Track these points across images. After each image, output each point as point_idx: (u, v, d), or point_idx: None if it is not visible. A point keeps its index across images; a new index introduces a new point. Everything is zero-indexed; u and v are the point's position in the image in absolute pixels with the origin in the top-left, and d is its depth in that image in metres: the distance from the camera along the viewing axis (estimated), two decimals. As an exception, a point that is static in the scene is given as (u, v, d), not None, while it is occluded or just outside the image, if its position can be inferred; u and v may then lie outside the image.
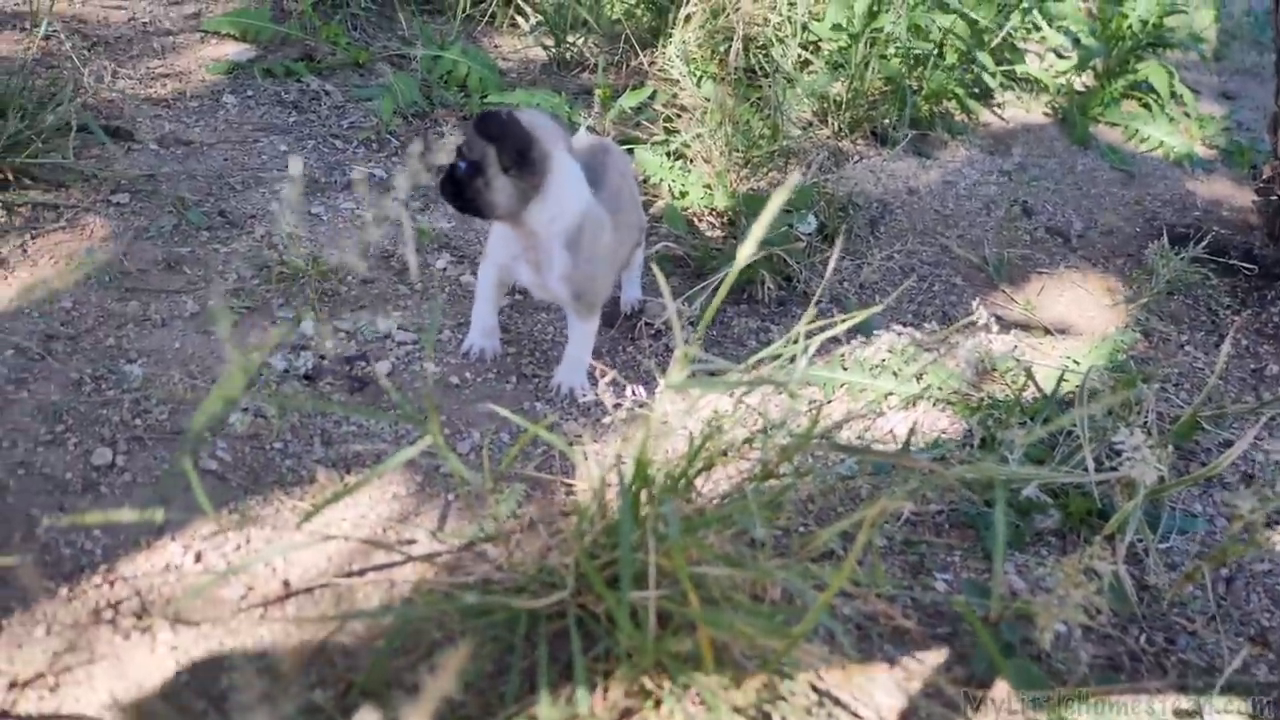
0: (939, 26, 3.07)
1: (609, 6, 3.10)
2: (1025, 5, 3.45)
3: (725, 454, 1.38)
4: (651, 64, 2.92)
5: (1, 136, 1.98)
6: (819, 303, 2.20)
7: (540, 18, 3.10)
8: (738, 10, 2.86)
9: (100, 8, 2.79)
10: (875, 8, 3.07)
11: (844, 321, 1.48)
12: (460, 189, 1.63)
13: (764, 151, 2.50)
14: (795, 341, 1.52)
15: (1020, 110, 3.43)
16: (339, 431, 1.63)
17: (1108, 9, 3.77)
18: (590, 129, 2.52)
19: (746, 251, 1.07)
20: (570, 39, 3.00)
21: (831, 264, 1.43)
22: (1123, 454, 1.48)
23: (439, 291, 2.02)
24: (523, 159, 1.58)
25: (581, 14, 3.00)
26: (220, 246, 1.98)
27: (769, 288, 2.15)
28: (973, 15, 3.13)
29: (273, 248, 1.93)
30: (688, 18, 2.90)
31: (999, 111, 3.38)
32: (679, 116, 2.66)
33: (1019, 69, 3.43)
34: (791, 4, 2.98)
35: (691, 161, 2.55)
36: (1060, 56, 3.70)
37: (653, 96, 2.66)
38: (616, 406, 1.61)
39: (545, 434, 1.38)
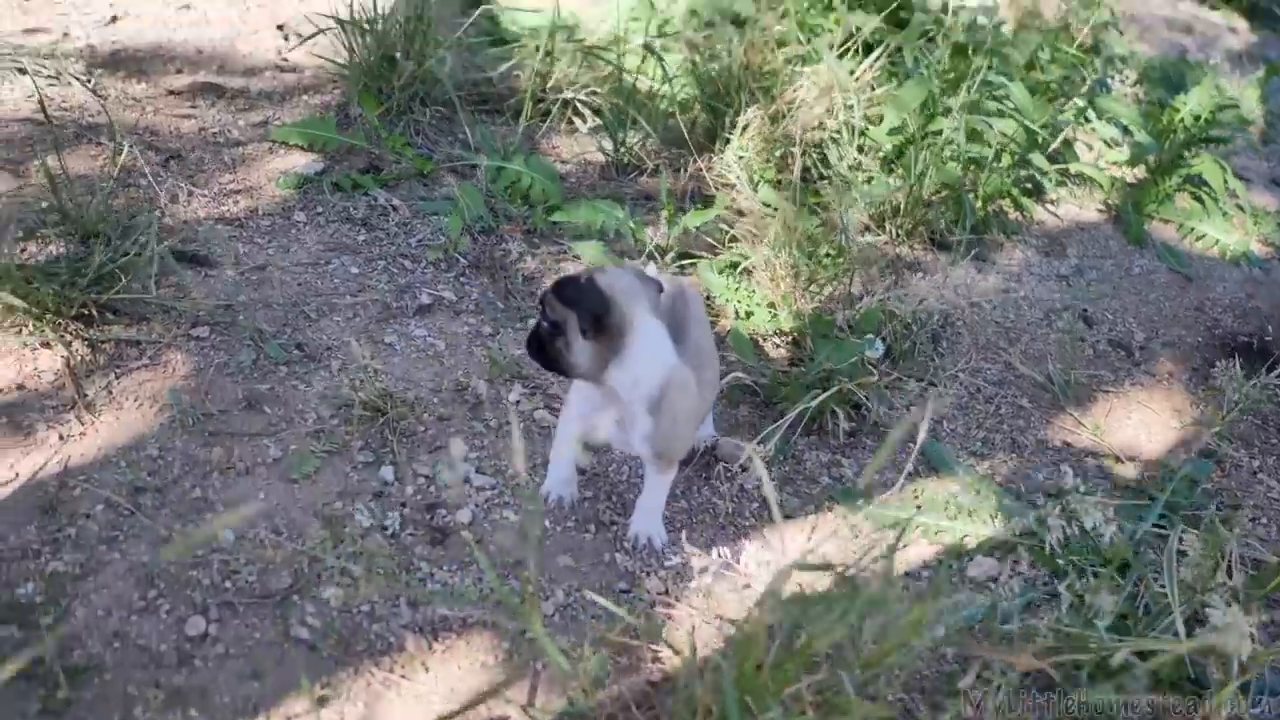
0: (998, 131, 3.07)
1: (664, 103, 3.14)
2: (1079, 104, 3.46)
3: (824, 642, 1.37)
4: (709, 169, 2.95)
5: (89, 270, 2.02)
6: (885, 430, 2.20)
7: (598, 120, 3.13)
8: (795, 121, 2.88)
9: (171, 117, 2.85)
10: (931, 111, 3.09)
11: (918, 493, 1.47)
12: (542, 347, 1.65)
13: (829, 271, 2.51)
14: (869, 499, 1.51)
15: (1074, 206, 3.42)
16: (424, 591, 1.63)
17: (1159, 103, 3.78)
18: (652, 256, 2.54)
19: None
20: (628, 141, 3.03)
21: (921, 435, 1.43)
22: (1211, 615, 1.47)
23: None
24: (600, 324, 1.59)
25: (637, 116, 3.03)
26: (299, 384, 2.00)
27: (840, 420, 2.15)
28: (1029, 120, 3.13)
29: (350, 386, 1.95)
30: (745, 126, 2.93)
31: (1052, 208, 3.37)
32: (739, 219, 2.66)
33: (1072, 167, 3.42)
34: (849, 108, 3.00)
35: (752, 273, 2.56)
36: (1109, 146, 3.69)
37: (716, 216, 2.68)
38: (703, 571, 1.61)
39: (635, 619, 1.38)
